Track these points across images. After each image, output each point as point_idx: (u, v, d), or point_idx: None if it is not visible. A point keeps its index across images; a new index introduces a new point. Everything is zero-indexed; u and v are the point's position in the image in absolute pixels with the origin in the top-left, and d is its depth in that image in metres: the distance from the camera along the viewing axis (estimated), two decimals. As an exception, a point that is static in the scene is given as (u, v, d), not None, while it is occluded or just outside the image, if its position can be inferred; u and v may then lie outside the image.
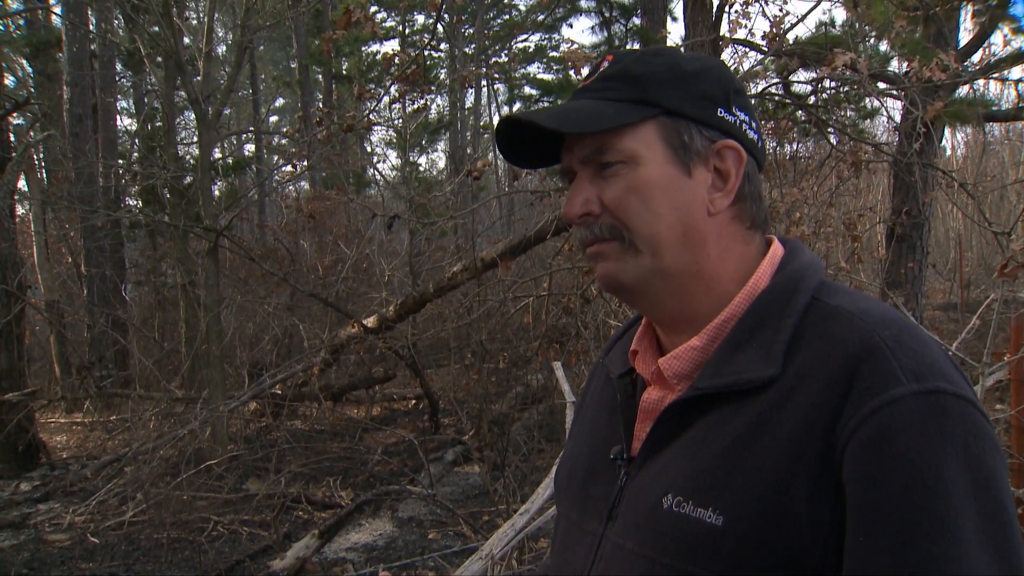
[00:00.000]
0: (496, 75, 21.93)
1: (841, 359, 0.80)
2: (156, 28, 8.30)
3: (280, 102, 30.10)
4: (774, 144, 6.39)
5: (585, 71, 5.28)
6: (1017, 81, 6.04)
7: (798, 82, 6.35)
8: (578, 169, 0.96)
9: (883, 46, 6.67)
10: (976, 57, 7.00)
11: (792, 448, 0.79)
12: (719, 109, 0.94)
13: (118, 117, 14.83)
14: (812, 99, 6.21)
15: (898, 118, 6.72)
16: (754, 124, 0.98)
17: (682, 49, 6.27)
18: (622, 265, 0.93)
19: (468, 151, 21.11)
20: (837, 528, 0.76)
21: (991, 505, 0.74)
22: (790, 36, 5.93)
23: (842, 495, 0.76)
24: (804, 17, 7.84)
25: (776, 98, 6.34)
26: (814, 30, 7.29)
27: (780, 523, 0.78)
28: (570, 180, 0.98)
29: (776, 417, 0.81)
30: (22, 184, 12.85)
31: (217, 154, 12.98)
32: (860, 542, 0.75)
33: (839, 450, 0.77)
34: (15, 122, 12.49)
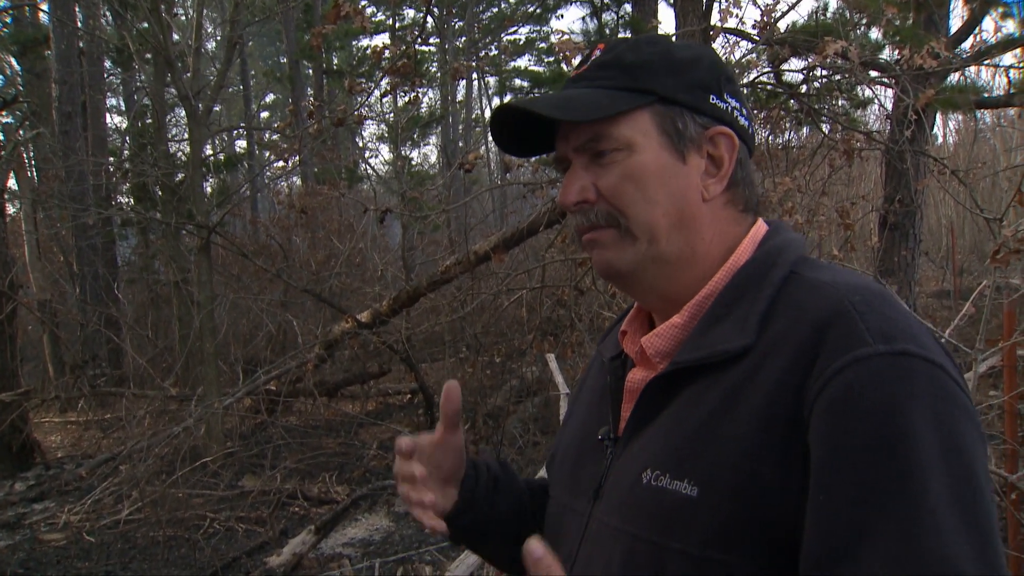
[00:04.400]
0: (487, 68, 21.91)
1: (810, 324, 0.81)
2: (145, 24, 8.27)
3: (271, 97, 30.06)
4: (766, 133, 6.38)
5: (577, 61, 5.27)
6: (1008, 68, 6.05)
7: (790, 71, 6.34)
8: (573, 157, 0.96)
9: (874, 34, 6.67)
10: (967, 44, 6.99)
11: (763, 415, 0.79)
12: (711, 96, 0.95)
13: (108, 114, 14.80)
14: (804, 88, 6.20)
15: (890, 106, 6.73)
16: (744, 111, 0.99)
17: (673, 38, 6.26)
18: (619, 252, 0.94)
19: (460, 144, 21.09)
20: (806, 492, 0.75)
21: (960, 469, 0.71)
22: (781, 25, 5.92)
23: (809, 458, 0.75)
24: (795, 5, 7.83)
25: (768, 87, 6.34)
26: (805, 18, 7.29)
27: (753, 490, 0.77)
28: (564, 168, 0.98)
29: (749, 386, 0.81)
30: (12, 183, 12.82)
31: (208, 150, 12.93)
32: (820, 500, 0.73)
33: (806, 413, 0.76)
34: (4, 120, 12.45)
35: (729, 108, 0.96)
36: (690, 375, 0.88)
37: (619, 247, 0.94)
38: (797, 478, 0.76)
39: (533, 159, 7.28)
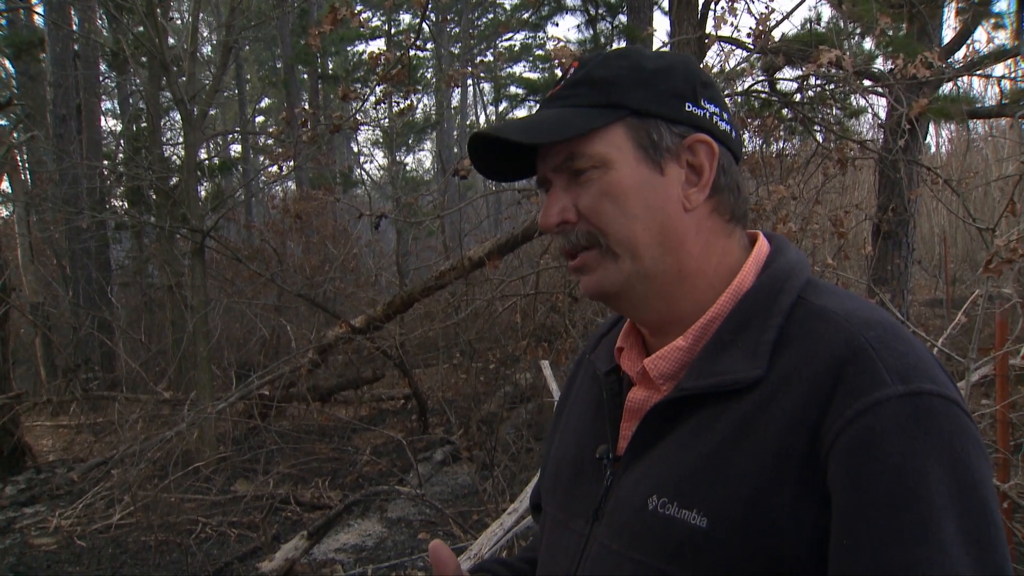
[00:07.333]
0: (482, 74, 21.94)
1: (826, 360, 0.80)
2: (140, 28, 8.26)
3: (266, 102, 29.97)
4: (760, 142, 6.40)
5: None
6: (1000, 78, 6.09)
7: (784, 79, 6.38)
8: (552, 178, 0.96)
9: (868, 44, 6.71)
10: (960, 54, 7.04)
11: (777, 449, 0.79)
12: (687, 104, 0.94)
13: (102, 118, 14.76)
14: (798, 96, 6.23)
15: (883, 115, 6.76)
16: (725, 115, 0.97)
17: (668, 47, 6.28)
18: (604, 273, 0.93)
19: (455, 150, 21.11)
20: (821, 530, 0.76)
21: (974, 506, 0.74)
22: (776, 33, 5.94)
23: (827, 497, 0.76)
24: (789, 14, 7.86)
25: (762, 96, 6.36)
26: (799, 27, 7.32)
27: (764, 525, 0.78)
28: (547, 189, 0.98)
29: (761, 418, 0.81)
30: (5, 186, 12.78)
31: (203, 155, 12.93)
32: (844, 544, 0.74)
33: (824, 452, 0.77)
34: (-2, 123, 12.41)
35: (707, 114, 0.94)
36: (697, 401, 0.87)
37: (603, 267, 0.93)
38: (810, 515, 0.77)
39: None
